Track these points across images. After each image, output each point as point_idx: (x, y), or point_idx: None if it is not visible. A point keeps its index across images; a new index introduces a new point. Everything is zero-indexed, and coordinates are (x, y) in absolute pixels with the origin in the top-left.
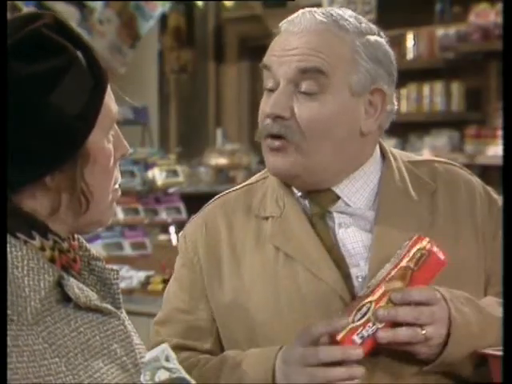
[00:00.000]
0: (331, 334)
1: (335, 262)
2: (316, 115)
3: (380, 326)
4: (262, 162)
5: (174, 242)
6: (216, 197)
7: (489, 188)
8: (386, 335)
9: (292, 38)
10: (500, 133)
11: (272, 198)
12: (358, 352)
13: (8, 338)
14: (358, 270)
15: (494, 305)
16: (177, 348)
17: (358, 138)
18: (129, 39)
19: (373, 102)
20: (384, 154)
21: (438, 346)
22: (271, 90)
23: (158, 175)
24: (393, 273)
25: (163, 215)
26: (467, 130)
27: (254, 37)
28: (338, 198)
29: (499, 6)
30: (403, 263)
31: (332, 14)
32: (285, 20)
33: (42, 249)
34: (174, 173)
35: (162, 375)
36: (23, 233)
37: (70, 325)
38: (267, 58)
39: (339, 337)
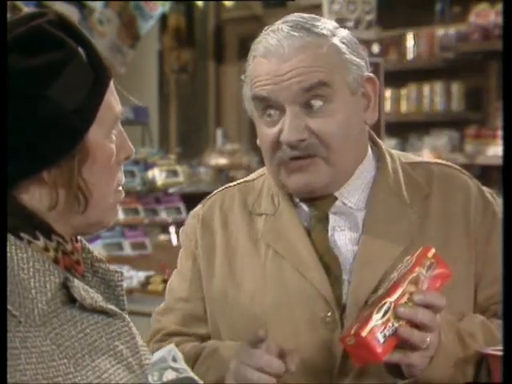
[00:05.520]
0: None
1: (327, 264)
2: (333, 127)
3: (398, 326)
4: (262, 162)
5: (174, 241)
6: (215, 191)
7: (486, 189)
8: (406, 331)
9: (280, 63)
10: (500, 133)
11: (267, 196)
12: (280, 367)
13: (16, 340)
14: (348, 274)
15: (476, 332)
16: (173, 334)
17: (364, 134)
18: (129, 39)
19: (365, 93)
20: (380, 154)
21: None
22: (270, 117)
23: (157, 175)
24: (408, 277)
25: (163, 215)
26: (467, 130)
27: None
28: (336, 199)
29: (499, 6)
30: (416, 270)
31: (302, 26)
32: (257, 48)
33: (46, 249)
34: (174, 173)
35: (170, 375)
36: (27, 233)
37: (76, 326)
38: (259, 89)
39: (364, 333)
